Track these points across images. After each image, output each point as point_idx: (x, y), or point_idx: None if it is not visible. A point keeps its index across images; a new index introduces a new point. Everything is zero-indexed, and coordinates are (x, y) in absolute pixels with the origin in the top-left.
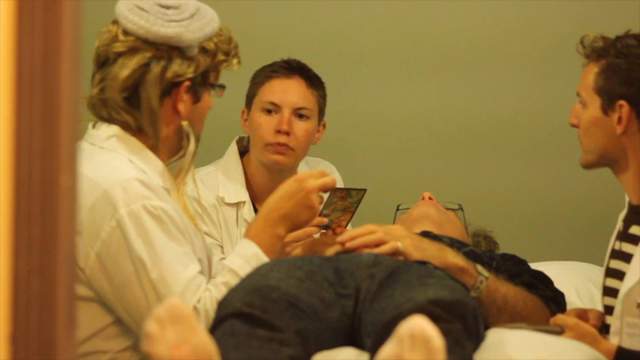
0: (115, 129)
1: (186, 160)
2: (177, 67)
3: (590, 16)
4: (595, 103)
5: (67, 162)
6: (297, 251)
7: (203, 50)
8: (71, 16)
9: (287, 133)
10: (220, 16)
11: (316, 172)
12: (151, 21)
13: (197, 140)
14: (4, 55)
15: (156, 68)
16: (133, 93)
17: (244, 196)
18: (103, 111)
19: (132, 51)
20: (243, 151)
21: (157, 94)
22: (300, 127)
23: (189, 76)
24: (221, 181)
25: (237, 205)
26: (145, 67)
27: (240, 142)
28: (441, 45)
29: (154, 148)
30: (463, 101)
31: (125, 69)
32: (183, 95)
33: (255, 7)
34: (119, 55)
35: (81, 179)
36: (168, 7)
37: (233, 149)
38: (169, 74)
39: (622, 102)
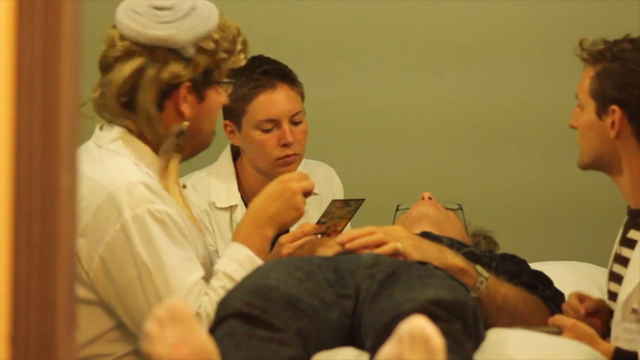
0: (120, 131)
1: (174, 160)
2: (172, 68)
3: (596, 15)
4: (590, 107)
5: (67, 162)
6: (297, 251)
7: (201, 50)
8: (71, 16)
9: (292, 144)
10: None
11: (297, 175)
12: (143, 24)
13: (213, 135)
14: (4, 55)
15: (151, 72)
16: (130, 98)
17: (237, 199)
18: (105, 114)
19: (128, 55)
20: (236, 154)
21: (153, 97)
22: (299, 130)
23: (188, 76)
24: (213, 185)
25: (231, 208)
26: (141, 71)
27: (233, 146)
28: (440, 43)
29: (158, 151)
30: (463, 101)
31: (121, 74)
32: (187, 96)
33: (256, 3)
34: (117, 59)
35: (86, 181)
36: (161, 9)
37: (227, 153)
38: (165, 77)
39: (614, 107)
